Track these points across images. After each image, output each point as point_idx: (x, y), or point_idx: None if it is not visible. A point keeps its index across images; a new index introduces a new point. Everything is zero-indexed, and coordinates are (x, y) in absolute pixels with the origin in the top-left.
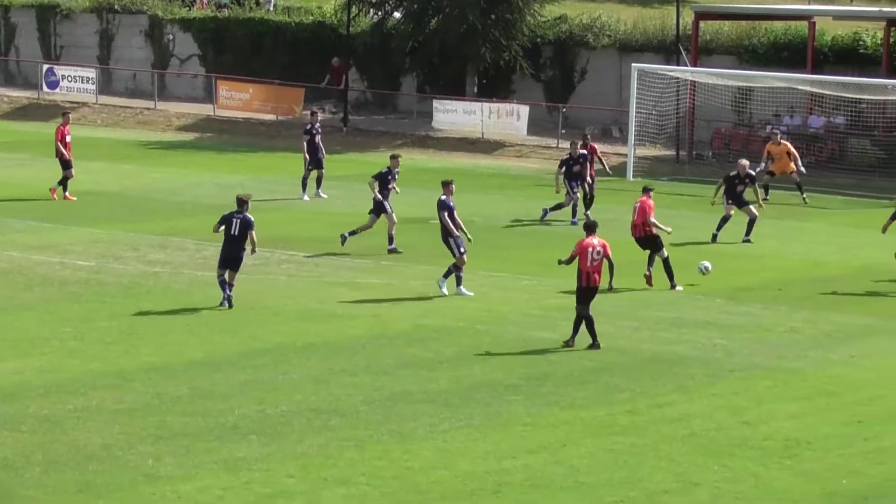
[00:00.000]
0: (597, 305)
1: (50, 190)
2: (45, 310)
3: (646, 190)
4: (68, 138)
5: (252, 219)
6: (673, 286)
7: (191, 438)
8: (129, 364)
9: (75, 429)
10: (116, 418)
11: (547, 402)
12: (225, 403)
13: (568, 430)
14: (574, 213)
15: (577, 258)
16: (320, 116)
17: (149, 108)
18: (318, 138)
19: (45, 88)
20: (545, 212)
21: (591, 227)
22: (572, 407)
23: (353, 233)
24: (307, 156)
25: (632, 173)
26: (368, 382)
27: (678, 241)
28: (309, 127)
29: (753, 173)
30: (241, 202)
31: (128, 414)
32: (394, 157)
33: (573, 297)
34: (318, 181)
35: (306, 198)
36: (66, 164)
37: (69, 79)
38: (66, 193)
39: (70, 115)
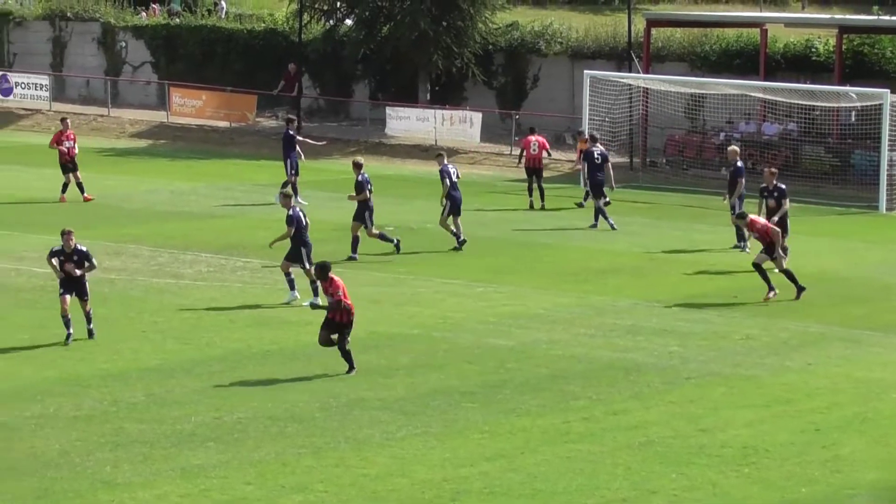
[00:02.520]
0: (552, 313)
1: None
2: (1, 316)
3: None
4: (67, 144)
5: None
6: None
7: (148, 445)
8: (86, 371)
9: (33, 435)
10: (74, 425)
11: (503, 409)
12: (181, 410)
13: (525, 438)
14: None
15: None
16: (273, 123)
17: (102, 115)
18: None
19: None
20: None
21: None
22: (529, 414)
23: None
24: (294, 161)
25: (584, 181)
26: (324, 389)
27: (633, 250)
28: (292, 133)
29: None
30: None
31: (85, 420)
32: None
33: (528, 305)
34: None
35: (304, 202)
36: (66, 168)
37: (23, 86)
38: (85, 194)
39: (69, 122)
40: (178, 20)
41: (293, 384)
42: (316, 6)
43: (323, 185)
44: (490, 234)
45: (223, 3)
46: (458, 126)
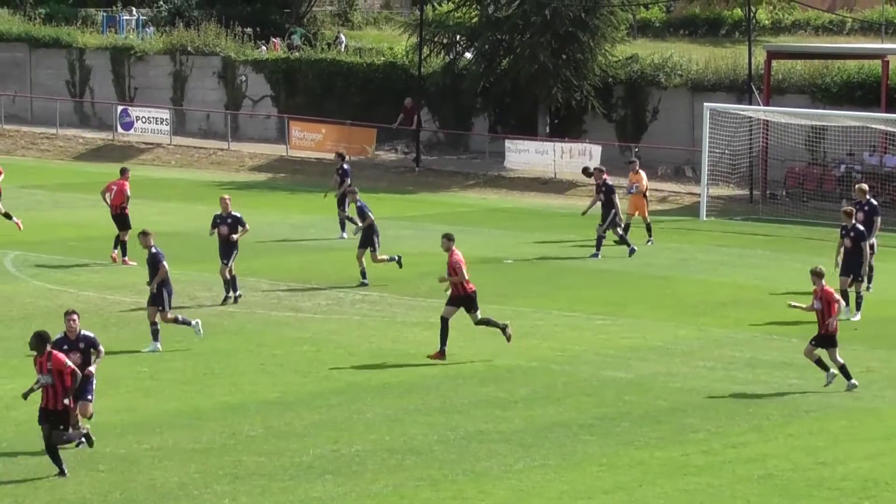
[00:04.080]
0: (670, 345)
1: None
2: (121, 350)
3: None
4: (108, 196)
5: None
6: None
7: (266, 478)
8: (205, 403)
9: (152, 468)
10: (192, 457)
11: (622, 441)
12: (299, 443)
13: (643, 471)
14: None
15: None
16: (392, 157)
17: (222, 149)
18: None
19: (119, 129)
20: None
21: None
22: (647, 447)
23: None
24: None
25: (705, 213)
26: (443, 422)
27: (752, 282)
28: (347, 168)
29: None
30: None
31: (203, 453)
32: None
33: (647, 338)
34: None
35: (346, 235)
36: (126, 224)
37: (143, 120)
38: (125, 257)
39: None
40: (297, 54)
41: (411, 416)
42: (436, 40)
43: (442, 218)
44: (609, 267)
45: (343, 37)
46: (578, 159)
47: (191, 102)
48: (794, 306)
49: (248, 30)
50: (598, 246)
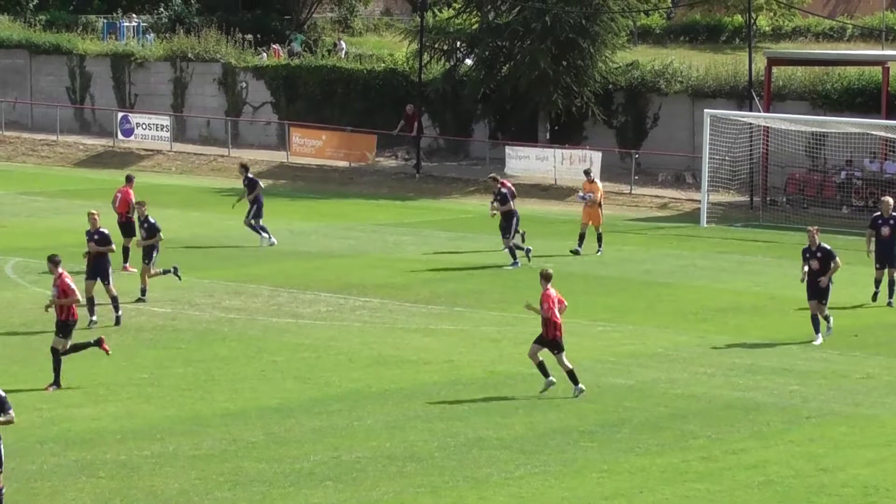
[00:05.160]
0: (671, 352)
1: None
2: (122, 356)
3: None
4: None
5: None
6: None
7: (267, 484)
8: (205, 410)
9: (152, 474)
10: (193, 464)
11: (622, 448)
12: (300, 450)
13: (644, 477)
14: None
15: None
16: (393, 163)
17: (222, 156)
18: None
19: (119, 136)
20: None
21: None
22: (648, 453)
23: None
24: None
25: (705, 219)
26: (443, 428)
27: (753, 289)
28: (252, 177)
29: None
30: None
31: (204, 459)
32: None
33: (647, 344)
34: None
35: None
36: (131, 231)
37: (143, 126)
38: (126, 263)
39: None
40: (298, 60)
41: (412, 423)
42: (436, 46)
43: (442, 225)
44: (609, 273)
45: (343, 44)
46: (578, 165)
47: (191, 109)
48: (530, 308)
49: (249, 36)
50: (513, 255)
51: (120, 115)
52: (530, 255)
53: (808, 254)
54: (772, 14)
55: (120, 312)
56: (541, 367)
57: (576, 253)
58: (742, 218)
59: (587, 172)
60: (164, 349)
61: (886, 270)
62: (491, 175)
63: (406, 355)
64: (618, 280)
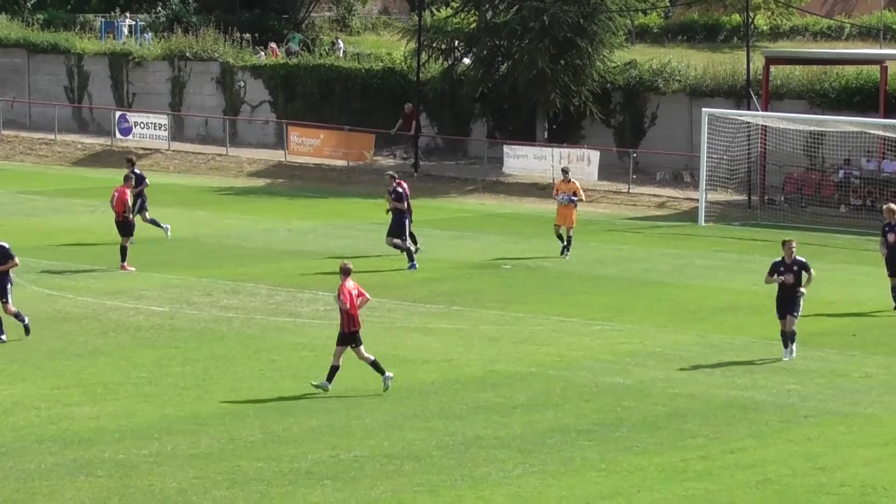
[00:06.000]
0: (669, 351)
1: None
2: (120, 355)
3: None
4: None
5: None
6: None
7: (265, 483)
8: (203, 409)
9: (150, 473)
10: (191, 463)
11: (620, 447)
12: (298, 448)
13: (642, 476)
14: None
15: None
16: (391, 162)
17: (220, 155)
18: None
19: (118, 135)
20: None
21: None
22: (646, 453)
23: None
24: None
25: (703, 218)
26: (441, 427)
27: (751, 288)
28: (139, 172)
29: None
30: None
31: (202, 458)
32: None
33: (646, 344)
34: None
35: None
36: (128, 230)
37: (142, 125)
38: (124, 262)
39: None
40: (296, 60)
41: (410, 422)
42: (434, 45)
43: (440, 224)
44: (608, 272)
45: (341, 43)
46: (576, 164)
47: (189, 108)
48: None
49: (247, 35)
50: (411, 258)
51: (118, 114)
52: (414, 253)
53: (783, 267)
54: (770, 13)
55: (27, 321)
56: (374, 365)
57: (564, 255)
58: (740, 217)
59: (564, 171)
60: (163, 348)
61: None
62: (388, 173)
63: (404, 354)
64: (616, 279)
